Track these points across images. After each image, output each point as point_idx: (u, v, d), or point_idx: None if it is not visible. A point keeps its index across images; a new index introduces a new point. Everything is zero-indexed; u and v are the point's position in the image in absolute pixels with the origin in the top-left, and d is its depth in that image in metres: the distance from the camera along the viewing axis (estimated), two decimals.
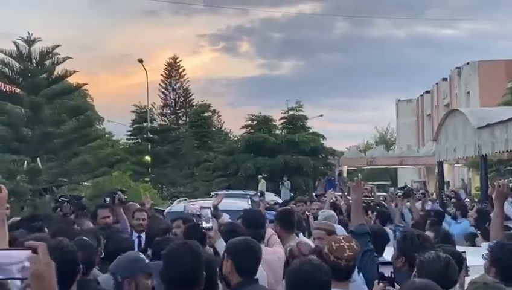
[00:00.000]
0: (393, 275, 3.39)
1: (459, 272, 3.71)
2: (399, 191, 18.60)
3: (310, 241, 6.98)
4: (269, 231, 5.94)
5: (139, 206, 9.42)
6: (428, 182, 41.87)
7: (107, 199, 8.22)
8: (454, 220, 11.54)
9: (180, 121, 41.07)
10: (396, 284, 3.54)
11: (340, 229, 7.35)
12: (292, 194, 31.58)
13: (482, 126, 15.33)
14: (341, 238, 3.92)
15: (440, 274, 3.49)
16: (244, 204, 14.11)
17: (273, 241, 5.94)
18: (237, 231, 5.21)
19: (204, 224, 5.51)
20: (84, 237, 5.24)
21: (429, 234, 5.62)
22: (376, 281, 3.43)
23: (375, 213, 9.74)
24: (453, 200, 18.75)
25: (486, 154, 15.59)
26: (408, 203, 12.66)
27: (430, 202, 16.58)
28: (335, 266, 3.69)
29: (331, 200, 12.43)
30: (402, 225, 10.88)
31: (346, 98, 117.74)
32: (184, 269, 3.17)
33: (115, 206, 8.02)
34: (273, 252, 5.67)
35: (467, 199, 18.28)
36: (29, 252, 1.93)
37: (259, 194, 24.15)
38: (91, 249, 4.83)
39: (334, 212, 8.92)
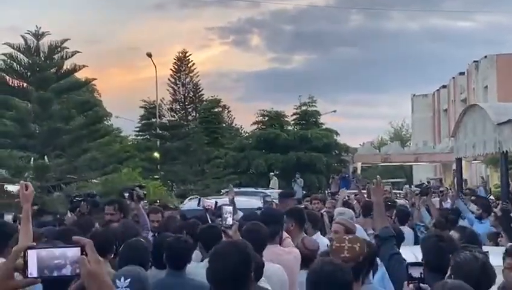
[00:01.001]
0: (422, 276, 3.32)
1: None
2: (416, 188, 18.50)
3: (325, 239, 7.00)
4: (283, 234, 5.95)
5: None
6: (445, 179, 41.61)
7: (126, 195, 8.29)
8: (478, 219, 11.30)
9: (189, 117, 40.91)
10: (426, 285, 3.49)
11: (360, 231, 7.32)
12: (304, 192, 31.41)
13: (503, 122, 15.21)
14: (345, 238, 3.90)
15: (476, 276, 3.44)
16: (257, 202, 14.13)
17: (287, 244, 5.98)
18: (259, 230, 5.16)
19: (224, 222, 5.52)
20: None
21: (454, 234, 5.53)
22: (405, 283, 3.40)
23: (394, 212, 9.68)
24: (472, 198, 18.56)
25: (507, 151, 15.47)
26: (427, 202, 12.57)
27: (449, 200, 16.45)
28: None
29: (344, 199, 12.40)
30: (422, 224, 10.79)
31: (360, 93, 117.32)
32: (230, 268, 3.12)
33: (134, 202, 8.11)
34: (288, 252, 5.70)
35: (491, 197, 17.98)
36: (77, 249, 1.96)
37: (269, 192, 24.19)
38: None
39: (350, 210, 9.01)
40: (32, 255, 1.95)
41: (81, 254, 1.95)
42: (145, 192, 8.68)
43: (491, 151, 16.49)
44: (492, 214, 11.18)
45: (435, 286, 3.16)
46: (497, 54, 42.41)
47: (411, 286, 3.32)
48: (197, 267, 4.95)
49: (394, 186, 50.08)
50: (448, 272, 3.62)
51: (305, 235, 6.56)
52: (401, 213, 9.74)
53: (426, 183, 16.81)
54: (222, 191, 25.24)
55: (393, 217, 9.48)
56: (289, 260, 5.49)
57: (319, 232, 7.34)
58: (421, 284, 3.36)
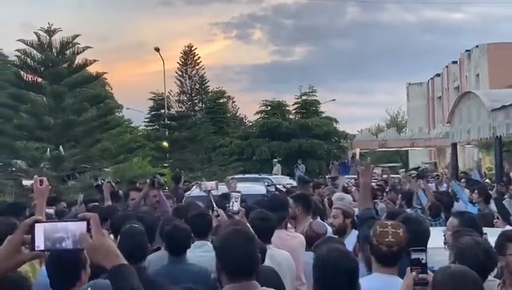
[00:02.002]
0: (425, 262, 3.16)
1: None
2: (412, 172, 18.26)
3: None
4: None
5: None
6: (439, 163, 41.47)
7: (137, 183, 8.20)
8: (471, 203, 11.10)
9: (196, 108, 40.79)
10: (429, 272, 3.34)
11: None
12: (306, 177, 31.25)
13: (497, 108, 15.02)
14: (388, 223, 3.75)
15: (480, 261, 3.33)
16: (261, 188, 13.92)
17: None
18: (269, 219, 5.03)
19: (231, 207, 5.43)
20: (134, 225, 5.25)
21: (453, 220, 5.34)
22: (408, 269, 3.21)
23: (400, 195, 9.54)
24: (462, 180, 18.33)
25: (500, 136, 15.29)
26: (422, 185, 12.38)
27: (445, 184, 16.26)
28: (376, 250, 3.61)
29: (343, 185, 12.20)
30: (420, 207, 10.64)
31: (357, 83, 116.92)
32: (238, 256, 2.94)
33: (156, 189, 7.95)
34: (294, 237, 5.63)
35: (487, 180, 17.75)
36: (83, 223, 1.93)
37: (273, 177, 24.04)
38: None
39: (348, 195, 8.87)
40: (39, 229, 1.91)
41: (87, 227, 1.93)
42: (165, 179, 8.56)
43: (485, 136, 16.31)
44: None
45: (437, 271, 3.04)
46: (488, 43, 42.22)
47: (414, 272, 3.12)
48: (194, 252, 4.90)
49: (391, 170, 50.23)
50: (452, 258, 3.51)
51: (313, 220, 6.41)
52: (406, 196, 9.61)
53: (423, 167, 16.57)
54: (228, 177, 25.11)
55: (399, 200, 9.37)
56: (295, 243, 5.44)
57: (318, 218, 7.15)
58: (422, 275, 3.15)
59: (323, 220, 7.37)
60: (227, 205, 5.87)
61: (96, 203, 9.62)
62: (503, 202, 10.51)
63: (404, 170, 33.46)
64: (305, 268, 5.26)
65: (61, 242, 1.91)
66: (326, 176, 35.04)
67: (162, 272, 4.58)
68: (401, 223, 3.86)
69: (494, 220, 8.83)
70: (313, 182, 15.31)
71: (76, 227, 1.92)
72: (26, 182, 5.45)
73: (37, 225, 1.91)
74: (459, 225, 5.03)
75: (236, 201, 5.47)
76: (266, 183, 17.12)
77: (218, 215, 6.00)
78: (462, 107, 17.76)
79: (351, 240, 5.42)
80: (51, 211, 7.52)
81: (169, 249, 4.81)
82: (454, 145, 19.24)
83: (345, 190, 11.25)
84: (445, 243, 5.01)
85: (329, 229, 6.22)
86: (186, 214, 6.14)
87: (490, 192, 11.54)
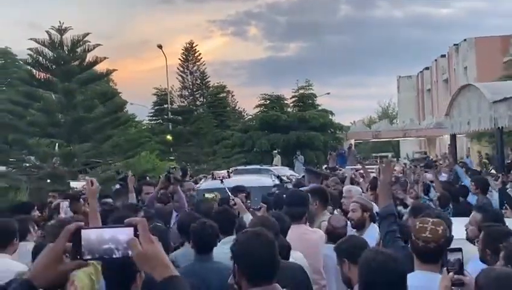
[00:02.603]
0: (462, 262, 2.97)
1: None
2: (417, 162, 17.84)
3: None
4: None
5: (195, 186, 8.92)
6: (430, 152, 41.33)
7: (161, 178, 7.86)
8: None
9: (197, 102, 40.45)
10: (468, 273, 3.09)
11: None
12: (305, 168, 31.02)
13: (498, 100, 14.68)
14: (429, 219, 3.54)
15: None
16: (268, 180, 13.52)
17: None
18: (282, 218, 4.78)
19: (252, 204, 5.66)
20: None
21: (476, 215, 4.94)
22: (445, 269, 3.00)
23: (419, 186, 9.20)
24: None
25: (502, 127, 14.95)
26: (429, 175, 12.01)
27: (443, 173, 15.92)
28: (414, 245, 3.46)
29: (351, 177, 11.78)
30: (427, 198, 10.26)
31: (350, 77, 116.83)
32: (259, 261, 2.76)
33: (173, 184, 7.65)
34: (314, 231, 5.48)
35: (492, 170, 17.40)
36: (130, 230, 1.72)
37: (273, 168, 23.65)
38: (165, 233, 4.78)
39: (358, 187, 8.52)
40: (84, 236, 1.70)
41: (134, 234, 1.71)
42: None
43: (486, 127, 15.98)
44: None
45: (480, 274, 2.82)
46: (476, 37, 41.99)
47: (451, 273, 2.92)
48: (221, 248, 4.60)
49: (382, 159, 50.06)
50: (501, 262, 3.32)
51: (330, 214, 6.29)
52: (424, 186, 9.26)
53: (431, 157, 16.20)
54: (230, 169, 24.81)
55: (419, 191, 9.04)
56: (315, 238, 5.31)
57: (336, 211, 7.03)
58: (458, 276, 2.94)
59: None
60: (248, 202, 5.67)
61: (109, 199, 9.30)
62: (508, 191, 10.26)
63: (407, 159, 33.30)
64: (325, 261, 5.19)
65: (107, 250, 1.71)
66: (324, 166, 35.01)
67: (188, 271, 4.28)
68: (443, 221, 3.63)
69: (503, 210, 8.52)
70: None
71: (123, 233, 1.72)
72: (74, 184, 5.18)
73: (82, 232, 1.70)
74: (483, 219, 4.74)
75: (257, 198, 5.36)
76: (272, 176, 16.71)
77: (234, 204, 6.04)
78: (461, 99, 17.42)
79: (370, 234, 5.26)
80: (66, 203, 7.18)
81: (196, 247, 4.52)
82: (453, 136, 18.91)
83: (352, 181, 10.95)
84: (468, 239, 4.72)
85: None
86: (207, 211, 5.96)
87: (495, 182, 11.25)
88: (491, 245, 3.78)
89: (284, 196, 6.14)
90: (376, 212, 4.66)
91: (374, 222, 5.65)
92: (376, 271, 2.94)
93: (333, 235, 5.25)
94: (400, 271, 2.98)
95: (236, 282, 2.80)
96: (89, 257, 1.70)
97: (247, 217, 5.62)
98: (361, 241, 4.02)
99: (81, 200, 7.84)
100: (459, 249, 2.98)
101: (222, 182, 8.87)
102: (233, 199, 6.03)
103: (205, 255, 4.48)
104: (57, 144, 16.92)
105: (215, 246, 4.56)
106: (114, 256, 1.71)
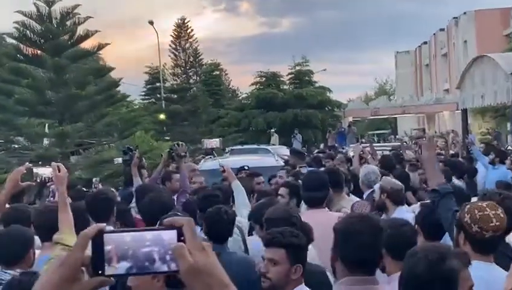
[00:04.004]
0: None
1: None
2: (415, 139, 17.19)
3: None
4: None
5: (196, 166, 8.17)
6: (429, 129, 40.85)
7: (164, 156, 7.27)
8: (492, 165, 10.17)
9: (191, 80, 39.59)
10: None
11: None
12: (303, 147, 30.53)
13: None
14: (484, 205, 3.16)
15: None
16: (271, 160, 12.83)
17: None
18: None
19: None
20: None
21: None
22: None
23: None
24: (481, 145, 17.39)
25: None
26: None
27: (451, 150, 15.41)
28: (478, 238, 3.09)
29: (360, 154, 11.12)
30: None
31: (346, 52, 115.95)
32: (364, 246, 2.62)
33: (176, 162, 7.04)
34: (337, 217, 4.72)
35: (509, 147, 16.86)
36: (173, 233, 1.22)
37: (270, 148, 22.99)
38: None
39: (376, 167, 7.83)
40: (109, 243, 1.22)
41: (178, 239, 1.23)
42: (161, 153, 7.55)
43: (502, 101, 15.30)
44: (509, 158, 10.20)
45: None
46: (476, 10, 41.42)
47: None
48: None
49: (379, 137, 49.57)
50: None
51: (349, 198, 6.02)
52: (454, 166, 8.58)
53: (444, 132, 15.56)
54: (227, 149, 24.12)
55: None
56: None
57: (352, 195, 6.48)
58: None
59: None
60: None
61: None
62: None
63: (405, 135, 32.71)
64: None
65: (148, 264, 1.22)
66: (321, 145, 34.46)
67: None
68: (495, 203, 3.30)
69: None
70: (326, 153, 14.16)
71: (167, 239, 1.23)
72: (38, 170, 4.33)
73: (105, 237, 1.22)
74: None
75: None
76: (275, 155, 15.98)
77: (224, 171, 5.82)
78: (475, 71, 16.70)
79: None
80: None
81: (209, 236, 4.10)
82: (464, 111, 18.19)
83: (361, 158, 10.33)
84: None
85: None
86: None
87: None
88: None
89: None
90: (433, 189, 4.04)
91: (401, 204, 5.23)
92: (427, 275, 2.39)
93: None
94: (456, 269, 2.44)
95: (332, 264, 2.71)
96: (119, 271, 1.21)
97: (236, 185, 5.46)
98: (404, 235, 3.41)
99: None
100: None
101: (214, 154, 8.63)
102: (222, 166, 5.86)
103: (219, 244, 4.04)
104: (46, 124, 16.15)
105: (230, 235, 4.21)
106: (156, 268, 1.22)
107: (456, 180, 8.12)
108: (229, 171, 5.78)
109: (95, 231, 1.26)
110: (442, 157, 10.23)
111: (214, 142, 8.64)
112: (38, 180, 4.60)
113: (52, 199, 6.47)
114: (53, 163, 3.84)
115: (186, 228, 1.27)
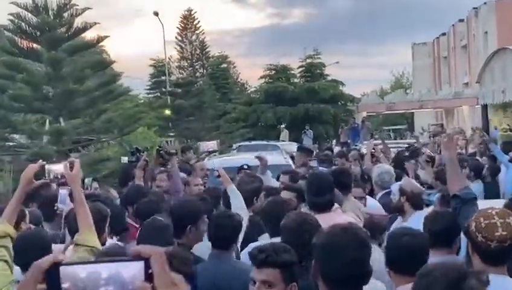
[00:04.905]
0: None
1: None
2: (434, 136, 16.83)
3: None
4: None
5: (205, 166, 7.93)
6: (447, 125, 40.35)
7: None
8: None
9: (197, 74, 39.38)
10: None
11: (372, 204, 6.20)
12: (314, 144, 30.21)
13: None
14: (493, 213, 3.04)
15: None
16: (280, 158, 12.59)
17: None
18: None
19: None
20: None
21: None
22: None
23: (467, 167, 8.23)
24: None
25: None
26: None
27: (470, 149, 15.11)
28: (484, 249, 2.97)
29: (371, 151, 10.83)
30: None
31: (360, 44, 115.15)
32: (346, 262, 2.42)
33: (168, 160, 6.94)
34: (344, 220, 4.55)
35: None
36: (139, 265, 1.14)
37: (280, 144, 22.68)
38: None
39: (391, 167, 7.76)
40: (64, 280, 1.13)
41: (146, 273, 1.13)
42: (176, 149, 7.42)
43: None
44: None
45: None
46: (496, 0, 40.80)
47: None
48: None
49: (395, 133, 49.08)
50: None
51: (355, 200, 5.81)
52: (475, 168, 8.30)
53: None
54: (234, 145, 23.85)
55: (467, 172, 8.10)
56: None
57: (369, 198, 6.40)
58: None
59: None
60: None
61: None
62: None
63: (422, 132, 32.22)
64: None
65: None
66: (333, 141, 34.13)
67: (200, 271, 3.71)
68: (507, 210, 3.19)
69: None
70: (337, 152, 13.84)
71: (128, 272, 1.12)
72: (50, 167, 4.17)
73: (61, 269, 1.12)
74: None
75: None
76: (283, 152, 15.73)
77: (219, 176, 5.73)
78: (495, 64, 16.34)
79: (413, 224, 4.53)
80: (64, 191, 6.14)
81: (212, 241, 4.00)
82: (484, 107, 17.83)
83: (373, 156, 10.05)
84: None
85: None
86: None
87: None
88: None
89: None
90: (454, 195, 3.90)
91: (420, 209, 5.09)
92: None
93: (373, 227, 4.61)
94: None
95: (313, 277, 2.53)
96: None
97: (231, 189, 5.41)
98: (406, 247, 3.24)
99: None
100: None
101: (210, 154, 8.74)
102: (217, 170, 5.84)
103: (223, 252, 3.94)
104: (47, 120, 15.96)
105: (235, 242, 4.07)
106: None
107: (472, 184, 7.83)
108: (224, 175, 5.68)
109: (49, 263, 1.16)
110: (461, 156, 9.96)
111: (211, 145, 8.58)
112: (52, 177, 4.52)
113: (59, 205, 6.25)
114: (70, 159, 3.75)
115: (155, 260, 1.17)
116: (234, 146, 24.09)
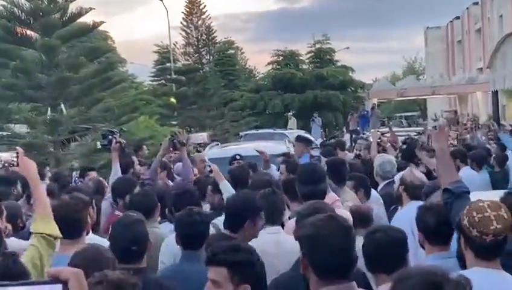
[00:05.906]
0: None
1: None
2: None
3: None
4: (331, 197, 4.98)
5: (205, 157, 8.11)
6: (461, 112, 39.85)
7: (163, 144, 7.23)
8: None
9: (203, 60, 39.08)
10: None
11: (374, 196, 6.12)
12: (322, 131, 29.96)
13: None
14: (485, 205, 3.03)
15: None
16: (283, 147, 12.39)
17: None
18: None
19: None
20: None
21: None
22: None
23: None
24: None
25: None
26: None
27: (478, 135, 14.81)
28: (479, 243, 2.99)
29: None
30: None
31: (371, 29, 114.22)
32: (334, 252, 2.52)
33: (179, 150, 7.11)
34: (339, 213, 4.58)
35: None
36: (57, 288, 1.22)
37: (288, 132, 22.40)
38: None
39: (393, 157, 7.75)
40: None
41: None
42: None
43: None
44: None
45: None
46: None
47: None
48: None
49: (408, 120, 48.62)
50: None
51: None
52: (478, 157, 8.03)
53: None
54: (240, 133, 23.62)
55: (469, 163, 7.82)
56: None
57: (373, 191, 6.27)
58: None
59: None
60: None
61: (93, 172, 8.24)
62: None
63: (435, 118, 31.79)
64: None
65: None
66: (343, 129, 33.81)
67: (170, 275, 3.77)
68: (497, 201, 3.22)
69: None
70: (335, 141, 13.46)
71: None
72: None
73: None
74: None
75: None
76: (287, 141, 15.47)
77: (211, 171, 5.90)
78: (507, 49, 15.90)
79: (406, 214, 4.64)
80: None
81: (181, 242, 3.95)
82: (495, 93, 17.43)
83: (379, 146, 9.77)
84: None
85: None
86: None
87: None
88: None
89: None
90: (445, 188, 3.75)
91: (416, 199, 4.91)
92: None
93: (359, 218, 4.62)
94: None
95: (303, 273, 2.61)
96: None
97: (224, 185, 5.54)
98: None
99: None
100: None
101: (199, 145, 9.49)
102: (209, 165, 6.01)
103: (194, 251, 3.87)
104: (49, 109, 15.79)
105: (205, 239, 3.94)
106: None
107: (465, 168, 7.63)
108: (217, 171, 5.79)
109: None
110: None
111: (201, 137, 8.71)
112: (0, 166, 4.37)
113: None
114: (18, 148, 3.61)
115: (73, 284, 1.22)
116: (240, 134, 23.90)
